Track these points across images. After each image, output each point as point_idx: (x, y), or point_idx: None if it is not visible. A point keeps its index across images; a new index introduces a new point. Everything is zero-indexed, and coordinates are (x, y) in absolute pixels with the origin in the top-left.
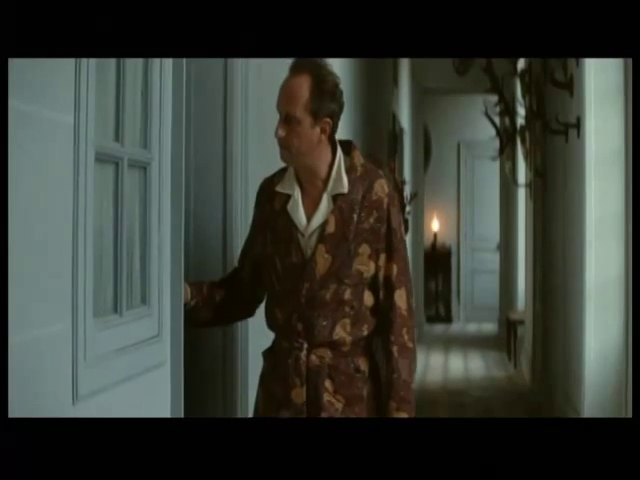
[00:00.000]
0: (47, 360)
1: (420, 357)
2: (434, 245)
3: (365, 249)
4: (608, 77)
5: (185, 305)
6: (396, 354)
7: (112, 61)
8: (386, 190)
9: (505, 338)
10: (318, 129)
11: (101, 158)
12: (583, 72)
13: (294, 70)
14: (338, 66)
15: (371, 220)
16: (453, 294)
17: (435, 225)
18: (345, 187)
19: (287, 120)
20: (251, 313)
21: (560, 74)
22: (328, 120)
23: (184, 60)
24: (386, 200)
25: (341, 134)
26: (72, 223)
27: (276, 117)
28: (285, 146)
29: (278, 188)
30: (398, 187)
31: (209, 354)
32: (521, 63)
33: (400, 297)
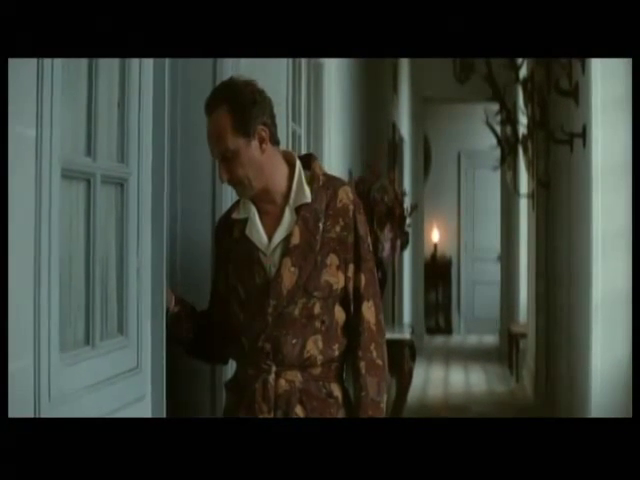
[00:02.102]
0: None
1: (420, 370)
2: (434, 256)
3: (333, 260)
4: (615, 84)
5: (167, 311)
6: (363, 371)
7: (83, 67)
8: (351, 197)
9: (507, 351)
10: (255, 142)
11: (70, 175)
12: (589, 79)
13: (208, 110)
14: (337, 75)
15: (337, 229)
16: (453, 305)
17: (435, 236)
18: (308, 197)
19: (224, 159)
20: (225, 360)
21: (565, 82)
22: (261, 127)
23: (166, 65)
24: (352, 207)
25: (340, 143)
26: (34, 247)
27: None
28: (236, 183)
29: (234, 215)
30: (398, 199)
31: (195, 385)
32: (523, 71)
33: (368, 310)
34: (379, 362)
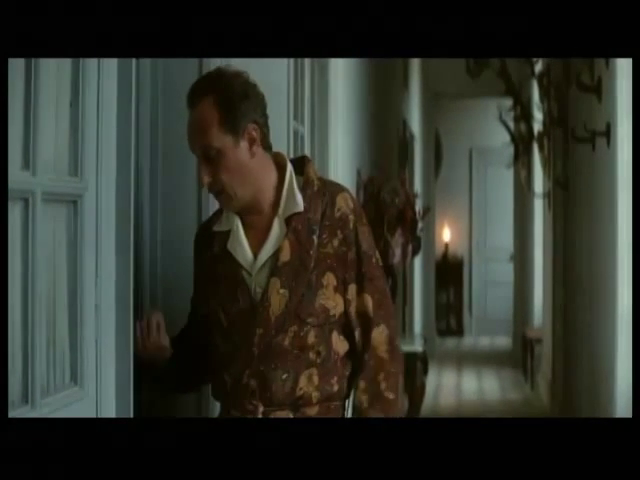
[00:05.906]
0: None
1: (431, 375)
2: (445, 255)
3: (330, 279)
4: None
5: (159, 364)
6: (365, 405)
7: (20, 61)
8: (351, 205)
9: (520, 355)
10: (245, 142)
11: None
12: (614, 74)
13: (191, 101)
14: (344, 69)
15: (335, 243)
16: (465, 306)
17: (446, 235)
18: (300, 205)
19: (206, 158)
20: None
21: (586, 77)
22: (252, 125)
23: (133, 62)
24: (352, 217)
25: (348, 142)
26: None
27: None
28: (218, 191)
29: (215, 227)
30: (410, 201)
31: None
32: (539, 65)
33: (379, 335)
34: (389, 395)
